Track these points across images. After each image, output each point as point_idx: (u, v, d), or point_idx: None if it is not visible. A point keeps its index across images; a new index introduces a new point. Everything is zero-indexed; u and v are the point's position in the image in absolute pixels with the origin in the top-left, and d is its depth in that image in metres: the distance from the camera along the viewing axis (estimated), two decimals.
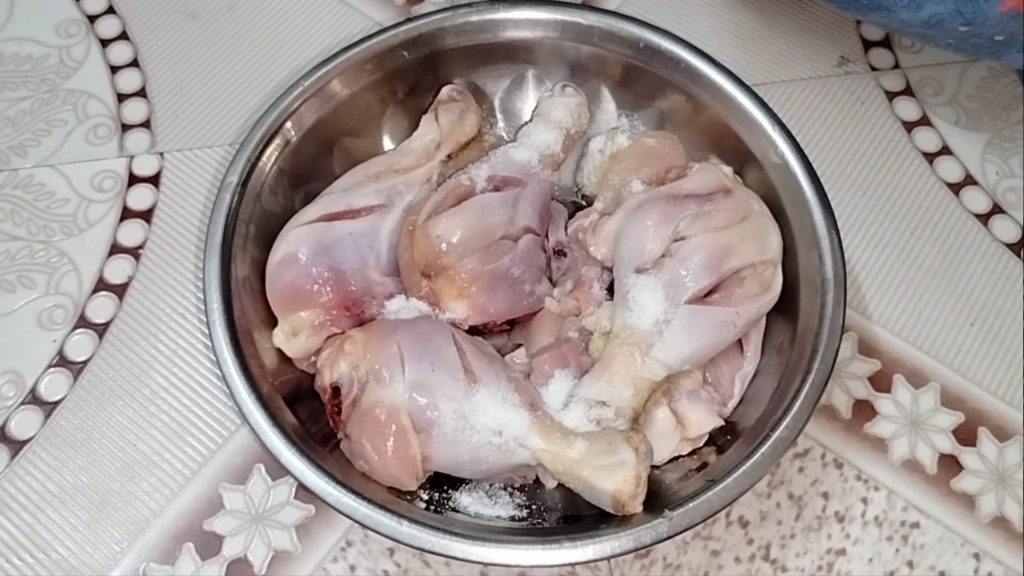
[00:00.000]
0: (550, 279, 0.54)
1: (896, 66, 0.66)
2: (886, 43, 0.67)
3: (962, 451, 0.54)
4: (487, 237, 0.51)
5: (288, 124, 0.52)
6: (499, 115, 0.59)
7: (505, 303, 0.51)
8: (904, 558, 0.51)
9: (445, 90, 0.57)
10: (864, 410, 0.55)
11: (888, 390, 0.55)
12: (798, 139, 0.52)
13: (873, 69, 0.66)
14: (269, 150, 0.51)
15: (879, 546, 0.51)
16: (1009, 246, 0.60)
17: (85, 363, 0.55)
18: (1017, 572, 0.51)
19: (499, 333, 0.53)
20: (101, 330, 0.56)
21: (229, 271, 0.48)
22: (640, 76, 0.57)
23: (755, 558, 0.51)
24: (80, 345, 0.55)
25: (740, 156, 0.54)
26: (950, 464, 0.53)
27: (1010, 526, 0.52)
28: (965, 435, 0.54)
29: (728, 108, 0.54)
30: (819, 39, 0.67)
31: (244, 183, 0.50)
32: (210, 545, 0.50)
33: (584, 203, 0.58)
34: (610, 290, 0.52)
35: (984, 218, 0.61)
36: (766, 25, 0.67)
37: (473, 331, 0.51)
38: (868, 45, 0.67)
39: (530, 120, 0.57)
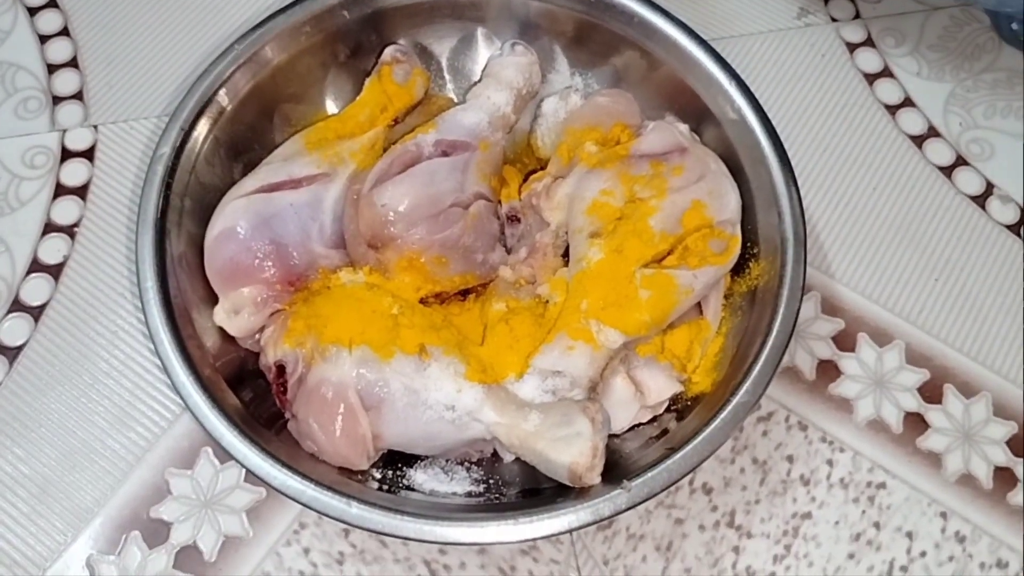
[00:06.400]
0: (504, 246, 0.52)
1: (857, 16, 0.64)
2: None
3: (928, 409, 0.53)
4: (436, 205, 0.49)
5: (222, 92, 0.49)
6: (447, 76, 0.57)
7: (457, 273, 0.49)
8: (871, 519, 0.50)
9: (388, 51, 0.54)
10: (828, 371, 0.54)
11: (852, 349, 0.54)
12: (756, 95, 0.50)
13: (833, 20, 0.64)
14: (203, 120, 0.49)
15: (845, 508, 0.50)
16: (973, 199, 0.58)
17: (21, 348, 0.53)
18: (983, 529, 0.50)
19: (452, 303, 0.51)
20: (36, 313, 0.53)
21: (164, 248, 0.46)
22: (593, 33, 0.54)
23: (719, 525, 0.50)
24: (15, 330, 0.53)
25: (697, 113, 0.52)
26: (916, 423, 0.53)
27: (977, 483, 0.51)
28: (931, 393, 0.53)
29: (684, 64, 0.52)
30: None
31: (177, 155, 0.48)
32: (157, 533, 0.49)
33: (538, 166, 0.56)
34: (566, 255, 0.51)
35: (948, 171, 0.59)
36: None
37: (424, 302, 0.49)
38: None
39: (479, 81, 0.55)
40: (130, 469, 0.50)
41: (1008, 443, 0.52)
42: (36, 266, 0.55)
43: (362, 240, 0.49)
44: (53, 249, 0.55)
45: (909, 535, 0.50)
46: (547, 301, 0.49)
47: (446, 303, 0.50)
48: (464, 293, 0.51)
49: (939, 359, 0.54)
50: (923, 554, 0.50)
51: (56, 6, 0.63)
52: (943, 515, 0.51)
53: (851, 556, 0.50)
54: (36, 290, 0.54)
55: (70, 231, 0.56)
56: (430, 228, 0.48)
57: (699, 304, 0.49)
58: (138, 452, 0.50)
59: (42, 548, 0.48)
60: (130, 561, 0.48)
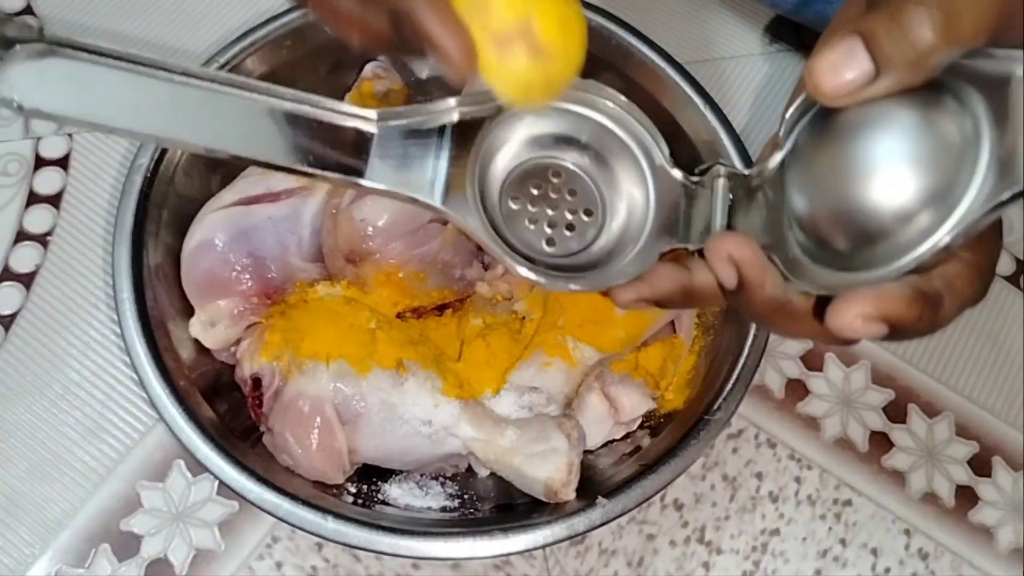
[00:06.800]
0: (482, 263, 0.53)
1: None
2: None
3: (892, 428, 0.54)
4: (415, 220, 0.49)
5: None
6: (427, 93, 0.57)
7: (434, 288, 0.50)
8: (837, 536, 0.51)
9: (369, 67, 0.55)
10: (797, 389, 0.55)
11: (820, 369, 0.55)
12: (729, 117, 0.51)
13: (803, 47, 0.66)
14: None
15: (812, 525, 0.51)
16: None
17: None
18: (945, 547, 0.51)
19: (429, 318, 0.51)
20: (7, 322, 0.53)
21: (141, 259, 0.46)
22: None
23: (690, 541, 0.51)
24: None
25: (670, 134, 0.53)
26: (881, 441, 0.54)
27: (940, 502, 0.52)
28: (895, 412, 0.55)
29: (659, 86, 0.53)
30: (749, 17, 0.66)
31: (156, 165, 0.48)
32: (128, 545, 0.48)
33: None
34: None
35: None
36: (697, 2, 0.67)
37: (401, 317, 0.49)
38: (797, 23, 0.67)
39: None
40: (101, 481, 0.49)
41: (969, 462, 0.54)
42: (7, 275, 0.54)
43: (340, 254, 0.49)
44: (25, 258, 0.55)
45: (874, 552, 0.51)
46: (524, 317, 0.50)
47: (423, 318, 0.51)
48: (441, 308, 0.51)
49: (903, 379, 0.56)
50: (887, 571, 0.51)
51: (31, 12, 0.62)
52: (907, 532, 0.52)
53: (818, 572, 0.50)
54: (7, 299, 0.53)
55: (43, 240, 0.55)
56: (408, 243, 0.49)
57: (672, 323, 0.50)
58: (109, 464, 0.50)
59: (9, 561, 0.48)
60: (100, 574, 0.47)
